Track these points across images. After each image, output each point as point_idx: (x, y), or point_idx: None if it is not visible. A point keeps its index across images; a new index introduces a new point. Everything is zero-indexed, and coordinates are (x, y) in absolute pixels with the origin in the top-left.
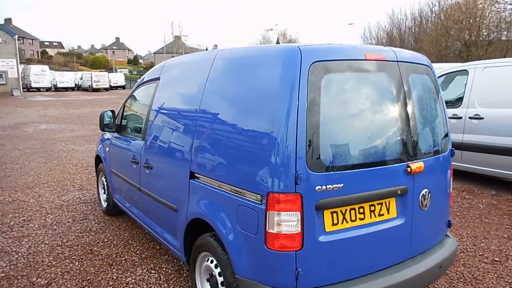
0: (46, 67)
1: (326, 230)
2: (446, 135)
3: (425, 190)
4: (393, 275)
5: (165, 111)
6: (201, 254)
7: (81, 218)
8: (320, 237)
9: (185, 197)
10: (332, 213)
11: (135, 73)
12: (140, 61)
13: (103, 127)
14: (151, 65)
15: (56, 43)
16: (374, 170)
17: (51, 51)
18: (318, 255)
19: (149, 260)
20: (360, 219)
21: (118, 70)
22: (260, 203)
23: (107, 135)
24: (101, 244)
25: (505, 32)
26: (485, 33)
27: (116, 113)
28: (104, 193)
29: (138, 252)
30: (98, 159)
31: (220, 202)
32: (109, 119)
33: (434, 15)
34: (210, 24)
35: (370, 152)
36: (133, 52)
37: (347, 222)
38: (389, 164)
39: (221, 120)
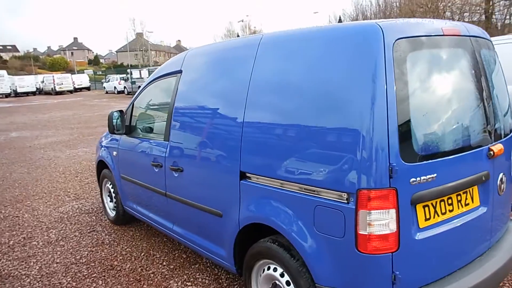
0: (3, 72)
1: (420, 227)
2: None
3: (501, 174)
4: (483, 267)
5: (196, 107)
6: (259, 262)
7: (88, 231)
8: (416, 234)
9: (235, 200)
10: (424, 207)
11: (100, 73)
12: (102, 60)
13: (113, 129)
14: (114, 64)
15: (10, 47)
16: (462, 156)
17: (5, 55)
18: (414, 255)
19: (180, 271)
20: (449, 211)
21: (80, 71)
22: (346, 202)
23: (111, 138)
24: (120, 258)
25: (466, 14)
26: (449, 15)
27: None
28: (111, 201)
29: (164, 263)
30: (100, 165)
31: (286, 203)
32: (117, 120)
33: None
34: (172, 19)
35: (458, 137)
36: (93, 52)
37: (438, 215)
38: (475, 149)
39: (279, 113)
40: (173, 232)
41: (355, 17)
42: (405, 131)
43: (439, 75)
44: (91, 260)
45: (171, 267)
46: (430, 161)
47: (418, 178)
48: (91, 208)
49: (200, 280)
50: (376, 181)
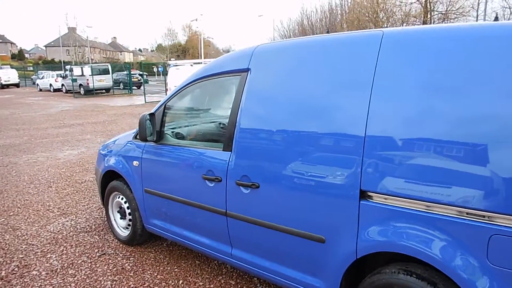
0: None
1: None
2: None
3: None
4: None
5: (282, 112)
6: None
7: (98, 254)
8: None
9: (348, 224)
10: None
11: (31, 69)
12: (26, 55)
13: (146, 136)
14: (44, 60)
15: None
16: None
17: None
18: None
19: None
20: None
21: (4, 65)
22: None
23: (128, 144)
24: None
25: (405, 25)
26: (389, 25)
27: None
28: (123, 218)
29: None
30: (107, 176)
31: (438, 230)
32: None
33: (341, 8)
34: (106, 16)
35: None
36: (17, 46)
37: None
38: None
39: (442, 122)
40: (231, 257)
41: (300, 22)
42: None
43: None
44: None
45: None
46: None
47: None
48: (88, 225)
49: None
50: None
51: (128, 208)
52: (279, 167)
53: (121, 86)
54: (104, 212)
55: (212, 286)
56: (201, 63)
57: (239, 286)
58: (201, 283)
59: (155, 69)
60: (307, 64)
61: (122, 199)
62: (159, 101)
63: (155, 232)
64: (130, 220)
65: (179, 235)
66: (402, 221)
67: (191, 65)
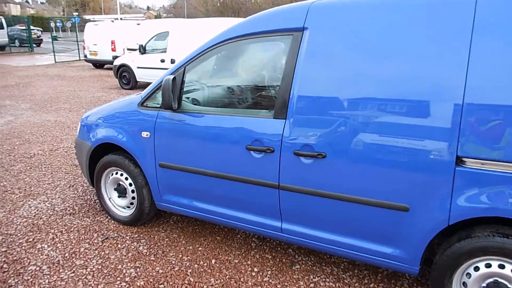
0: None
1: None
2: None
3: None
4: None
5: (354, 77)
6: (468, 261)
7: (101, 239)
8: None
9: (441, 191)
10: None
11: None
12: None
13: (171, 103)
14: None
15: None
16: None
17: None
18: None
19: (291, 276)
20: None
21: None
22: None
23: (131, 112)
24: (189, 271)
25: None
26: None
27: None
28: (121, 196)
29: (256, 270)
30: (97, 150)
31: None
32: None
33: None
34: None
35: None
36: None
37: None
38: None
39: None
40: (280, 231)
41: None
42: None
43: None
44: (155, 282)
45: (273, 272)
46: None
47: None
48: (68, 206)
49: (336, 279)
50: None
51: (130, 185)
52: (354, 136)
53: (17, 43)
54: (81, 189)
55: (249, 262)
56: (119, 18)
57: (277, 259)
58: (236, 260)
59: (52, 25)
60: (391, 25)
61: (121, 175)
62: (70, 61)
63: (170, 209)
64: (133, 198)
65: (206, 211)
66: (501, 185)
67: (112, 21)
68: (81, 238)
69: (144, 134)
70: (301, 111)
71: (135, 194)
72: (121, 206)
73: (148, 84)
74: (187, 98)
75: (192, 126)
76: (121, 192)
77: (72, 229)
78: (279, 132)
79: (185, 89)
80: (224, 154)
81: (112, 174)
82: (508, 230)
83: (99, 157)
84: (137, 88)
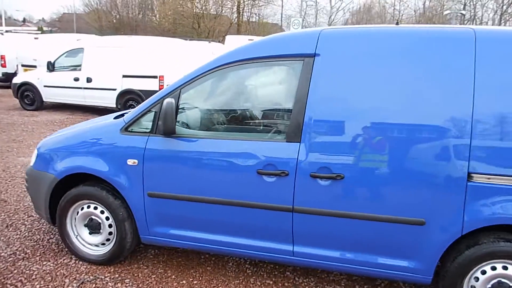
0: None
1: None
2: None
3: None
4: None
5: (374, 103)
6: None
7: (76, 285)
8: None
9: (455, 204)
10: None
11: None
12: None
13: (174, 128)
14: None
15: None
16: None
17: None
18: None
19: None
20: None
21: None
22: None
23: (113, 137)
24: None
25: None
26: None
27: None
28: (94, 233)
29: None
30: (64, 182)
31: None
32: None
33: None
34: None
35: None
36: None
37: None
38: None
39: None
40: (291, 255)
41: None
42: None
43: None
44: None
45: None
46: None
47: None
48: (19, 250)
49: None
50: None
51: (107, 219)
52: (372, 157)
53: None
54: (24, 228)
55: None
56: (11, 31)
57: (279, 284)
58: None
59: None
60: (402, 54)
61: (95, 208)
62: None
63: (159, 242)
64: (110, 233)
65: (205, 241)
66: (507, 196)
67: (2, 34)
68: (49, 287)
69: (131, 162)
70: (317, 135)
71: (112, 229)
72: (93, 244)
73: (57, 104)
74: (183, 122)
75: (193, 152)
76: (94, 228)
77: (34, 277)
78: (294, 155)
79: (180, 112)
80: (232, 180)
81: (83, 209)
82: (508, 235)
83: (60, 190)
84: (43, 109)
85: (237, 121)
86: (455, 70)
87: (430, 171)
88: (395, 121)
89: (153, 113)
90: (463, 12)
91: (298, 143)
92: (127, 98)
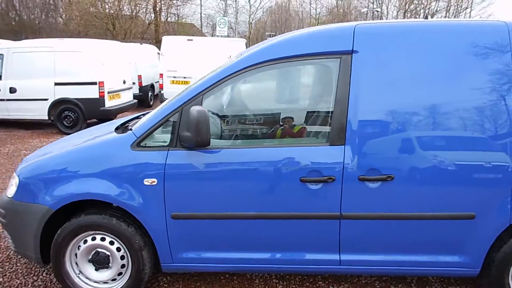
0: None
1: None
2: None
3: None
4: None
5: (417, 98)
6: None
7: None
8: None
9: (502, 197)
10: None
11: None
12: None
13: (209, 139)
14: None
15: None
16: None
17: None
18: None
19: None
20: None
21: None
22: None
23: (130, 157)
24: None
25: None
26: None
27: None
28: (100, 268)
29: None
30: (61, 211)
31: None
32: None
33: None
34: None
35: None
36: None
37: None
38: None
39: None
40: (338, 264)
41: None
42: None
43: None
44: None
45: None
46: None
47: None
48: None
49: None
50: None
51: (118, 250)
52: (423, 155)
53: None
54: (13, 268)
55: None
56: None
57: None
58: None
59: None
60: (449, 49)
61: (102, 240)
62: None
63: (188, 269)
64: (122, 266)
65: (244, 261)
66: None
67: None
68: None
69: (148, 181)
70: (363, 136)
71: (125, 261)
72: (101, 282)
73: None
74: (219, 132)
75: (226, 164)
76: (101, 262)
77: None
78: (339, 159)
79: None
80: (272, 191)
81: (86, 242)
82: None
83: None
84: None
85: (271, 126)
86: (500, 63)
87: (480, 165)
88: (442, 118)
89: (170, 123)
90: (378, 9)
91: (343, 146)
92: (62, 109)
